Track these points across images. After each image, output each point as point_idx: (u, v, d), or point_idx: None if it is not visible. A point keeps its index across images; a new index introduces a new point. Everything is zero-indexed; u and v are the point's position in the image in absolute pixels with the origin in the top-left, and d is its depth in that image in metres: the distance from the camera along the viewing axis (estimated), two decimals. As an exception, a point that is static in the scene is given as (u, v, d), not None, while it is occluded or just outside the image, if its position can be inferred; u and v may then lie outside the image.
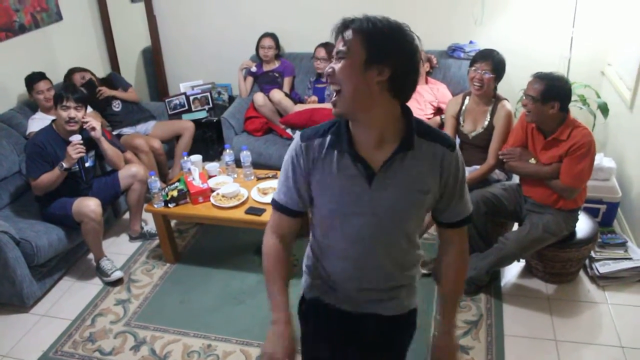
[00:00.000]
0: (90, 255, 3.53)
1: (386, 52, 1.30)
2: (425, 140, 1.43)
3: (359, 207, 1.46)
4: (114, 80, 4.51)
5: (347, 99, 1.35)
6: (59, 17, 4.49)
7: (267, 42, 4.47)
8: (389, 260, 1.55)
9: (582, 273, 3.15)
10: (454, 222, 1.56)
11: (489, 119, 3.14)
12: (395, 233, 1.51)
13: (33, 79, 3.81)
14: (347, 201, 1.47)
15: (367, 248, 1.52)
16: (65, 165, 3.17)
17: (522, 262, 3.25)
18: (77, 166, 3.31)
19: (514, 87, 3.94)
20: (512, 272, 3.23)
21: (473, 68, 3.09)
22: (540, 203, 2.89)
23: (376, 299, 1.62)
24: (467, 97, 3.26)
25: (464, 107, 3.27)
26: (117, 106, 4.35)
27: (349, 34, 1.31)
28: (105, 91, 4.28)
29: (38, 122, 3.66)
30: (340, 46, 1.33)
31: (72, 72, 4.20)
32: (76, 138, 3.19)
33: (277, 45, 4.53)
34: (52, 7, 4.41)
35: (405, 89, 1.37)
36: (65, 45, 4.57)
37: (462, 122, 3.26)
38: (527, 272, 3.22)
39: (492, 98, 3.15)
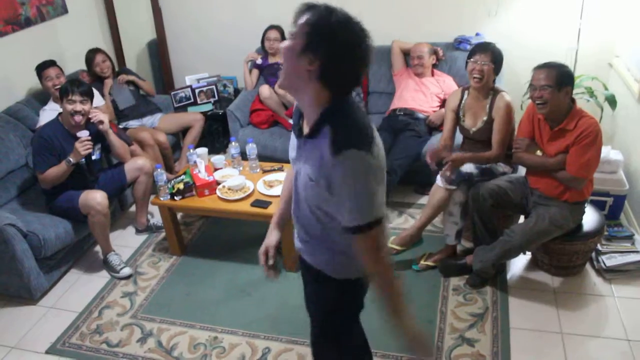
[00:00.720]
0: (97, 248, 3.55)
1: (321, 45, 1.40)
2: (330, 135, 1.48)
3: (294, 166, 1.72)
4: (127, 74, 4.49)
5: (283, 75, 1.52)
6: (64, 10, 4.50)
7: (273, 34, 4.45)
8: (303, 217, 1.73)
9: (588, 266, 3.14)
10: (344, 226, 1.54)
11: (488, 112, 3.12)
12: (302, 202, 1.68)
13: (43, 66, 3.82)
14: (291, 157, 1.74)
15: (295, 198, 1.75)
16: (72, 160, 3.19)
17: (528, 255, 3.24)
18: (83, 160, 3.32)
19: (520, 79, 3.92)
20: (518, 265, 3.23)
21: (472, 60, 3.06)
22: (547, 195, 2.88)
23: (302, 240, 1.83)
24: (466, 92, 3.23)
25: (463, 102, 3.24)
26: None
27: (302, 19, 1.44)
28: (123, 77, 4.30)
29: (49, 113, 3.66)
30: (292, 27, 1.45)
31: (95, 51, 4.24)
32: (84, 134, 3.20)
33: (283, 37, 4.51)
34: (57, 1, 4.41)
35: (336, 82, 1.47)
36: (71, 38, 4.57)
37: (462, 117, 3.24)
38: (533, 264, 3.21)
39: (490, 91, 3.13)
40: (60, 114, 3.33)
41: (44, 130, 3.28)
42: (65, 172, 3.22)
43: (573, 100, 2.73)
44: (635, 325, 2.73)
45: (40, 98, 3.95)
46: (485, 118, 3.12)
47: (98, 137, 3.41)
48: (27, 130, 3.76)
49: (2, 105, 3.87)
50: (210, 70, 5.05)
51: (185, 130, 4.50)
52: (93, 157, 3.42)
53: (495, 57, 3.03)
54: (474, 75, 3.06)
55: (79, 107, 3.19)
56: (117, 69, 4.49)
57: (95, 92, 4.21)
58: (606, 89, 3.91)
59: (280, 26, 4.48)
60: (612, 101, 3.76)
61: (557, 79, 2.62)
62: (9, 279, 3.11)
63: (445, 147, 3.24)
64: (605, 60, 4.09)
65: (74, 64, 4.53)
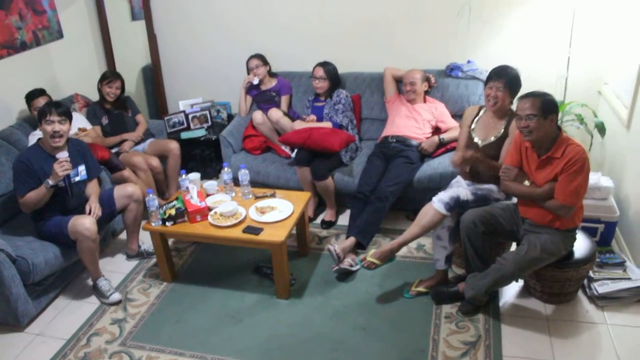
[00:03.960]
0: (87, 274, 3.51)
1: None
2: None
3: None
4: (127, 103, 4.50)
5: None
6: (59, 35, 4.53)
7: (254, 62, 4.49)
8: None
9: (580, 293, 3.14)
10: None
11: (502, 131, 3.15)
12: None
13: (33, 95, 3.83)
14: None
15: None
16: (51, 182, 3.15)
17: (521, 282, 3.23)
18: (63, 182, 3.27)
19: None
20: (510, 292, 3.22)
21: (488, 86, 3.13)
22: (538, 224, 2.88)
23: None
24: (483, 109, 3.28)
25: (478, 117, 3.29)
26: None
27: None
28: (125, 146, 4.29)
29: (37, 137, 3.65)
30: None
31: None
32: (63, 155, 3.17)
33: (266, 63, 4.54)
34: (53, 25, 4.45)
35: None
36: (66, 63, 4.60)
37: (473, 131, 3.27)
38: (525, 292, 3.20)
39: (507, 112, 3.18)
40: (40, 138, 3.32)
41: (24, 155, 3.27)
42: (45, 195, 3.19)
43: (559, 128, 2.75)
44: (628, 353, 2.71)
45: (32, 122, 3.95)
46: (498, 134, 3.15)
47: (81, 157, 3.40)
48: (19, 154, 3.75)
49: (-6, 128, 3.87)
50: (204, 95, 5.08)
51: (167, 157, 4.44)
52: (76, 179, 3.36)
53: (508, 82, 3.08)
54: (489, 100, 3.13)
55: (57, 127, 3.17)
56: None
57: (81, 116, 4.23)
58: (596, 116, 3.96)
59: (258, 53, 4.53)
60: (601, 128, 3.80)
61: (542, 108, 2.65)
62: (-4, 305, 3.08)
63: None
64: (594, 88, 4.15)
65: (68, 88, 4.55)
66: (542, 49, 4.14)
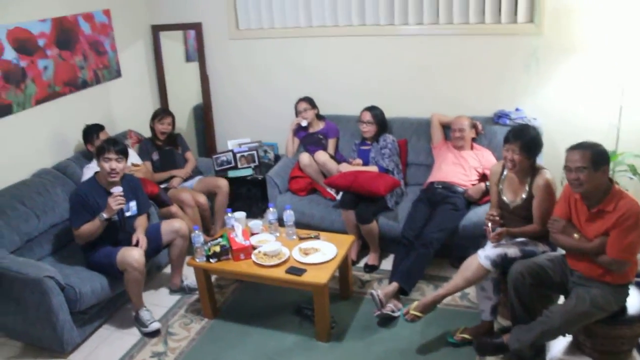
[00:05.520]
0: (130, 305, 3.56)
1: None
2: None
3: None
4: (178, 140, 4.65)
5: None
6: (118, 74, 4.75)
7: (303, 105, 4.57)
8: None
9: (635, 352, 2.99)
10: None
11: (527, 190, 3.09)
12: None
13: (93, 131, 3.99)
14: None
15: None
16: (105, 215, 3.27)
17: (569, 337, 3.11)
18: (116, 216, 3.40)
19: (560, 153, 3.82)
20: (558, 347, 3.09)
21: (505, 148, 3.08)
22: (587, 276, 2.78)
23: None
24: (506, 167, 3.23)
25: (503, 177, 3.24)
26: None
27: None
28: (174, 182, 4.42)
29: (92, 170, 3.78)
30: None
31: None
32: (117, 190, 3.29)
33: (314, 106, 4.62)
34: (112, 65, 4.67)
35: None
36: (122, 100, 4.81)
37: (501, 191, 3.23)
38: (574, 348, 3.07)
39: (529, 169, 3.11)
40: (97, 172, 3.45)
41: (80, 188, 3.41)
42: (99, 228, 3.30)
43: (611, 180, 2.68)
44: (686, 421, 2.56)
45: (88, 156, 4.10)
46: (524, 195, 3.10)
47: (133, 193, 3.50)
48: (74, 185, 3.89)
49: (53, 160, 4.05)
50: (252, 135, 5.18)
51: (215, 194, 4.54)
52: (127, 214, 3.49)
53: (526, 145, 3.01)
54: (507, 162, 3.09)
55: (114, 164, 3.30)
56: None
57: (133, 152, 4.37)
58: (650, 167, 3.84)
59: (307, 97, 4.62)
60: (656, 180, 3.69)
61: (593, 160, 2.58)
62: (43, 330, 3.14)
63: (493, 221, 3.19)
64: (648, 138, 4.04)
65: (122, 124, 4.73)
66: (593, 97, 4.07)
